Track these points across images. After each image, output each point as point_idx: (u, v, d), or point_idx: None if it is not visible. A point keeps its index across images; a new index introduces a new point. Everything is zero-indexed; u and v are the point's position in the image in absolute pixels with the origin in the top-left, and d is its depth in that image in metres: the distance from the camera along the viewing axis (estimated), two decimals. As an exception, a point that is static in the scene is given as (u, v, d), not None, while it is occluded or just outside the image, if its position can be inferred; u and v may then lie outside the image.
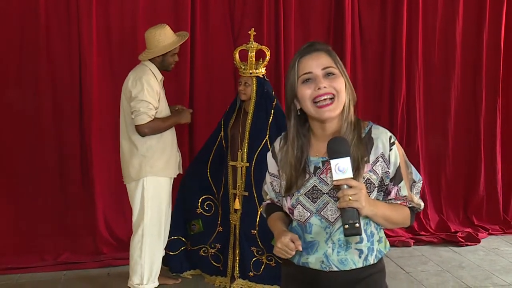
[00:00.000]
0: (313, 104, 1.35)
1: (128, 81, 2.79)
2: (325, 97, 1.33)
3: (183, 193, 3.19)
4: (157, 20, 3.61)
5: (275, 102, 3.07)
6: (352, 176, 1.26)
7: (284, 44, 3.90)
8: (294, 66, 1.37)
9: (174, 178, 3.02)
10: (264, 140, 2.99)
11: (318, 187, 1.36)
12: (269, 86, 3.10)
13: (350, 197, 1.25)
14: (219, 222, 3.12)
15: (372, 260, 1.39)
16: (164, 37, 2.83)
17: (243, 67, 3.02)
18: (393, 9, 4.12)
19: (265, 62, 3.05)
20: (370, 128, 1.39)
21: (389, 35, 4.15)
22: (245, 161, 2.98)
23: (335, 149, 1.26)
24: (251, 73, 3.00)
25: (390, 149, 1.38)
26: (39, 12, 3.49)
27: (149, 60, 2.85)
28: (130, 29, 3.65)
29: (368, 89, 4.16)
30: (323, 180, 1.36)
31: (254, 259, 3.02)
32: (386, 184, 1.39)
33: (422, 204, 1.46)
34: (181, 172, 3.06)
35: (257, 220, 2.95)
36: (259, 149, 2.97)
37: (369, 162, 1.36)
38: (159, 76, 2.86)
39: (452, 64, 4.26)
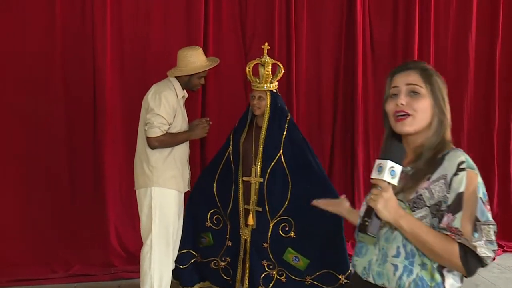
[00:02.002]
0: (394, 117, 1.42)
1: (149, 94, 2.90)
2: (402, 113, 1.39)
3: (192, 207, 3.21)
4: (170, 33, 3.78)
5: (288, 116, 3.08)
6: (388, 180, 1.28)
7: (295, 58, 4.00)
8: (388, 81, 1.46)
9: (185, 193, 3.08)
10: (278, 156, 2.99)
11: None
12: (281, 100, 3.14)
13: (372, 196, 1.29)
14: (227, 236, 3.13)
15: (407, 284, 1.33)
16: (195, 59, 2.93)
17: (257, 81, 3.03)
18: (404, 23, 4.18)
19: (278, 77, 3.09)
20: (450, 151, 1.39)
21: (400, 48, 4.20)
22: (258, 176, 2.99)
23: (385, 150, 1.33)
24: (265, 87, 3.02)
25: (456, 174, 1.33)
26: (55, 23, 3.57)
27: (176, 77, 2.95)
28: (142, 43, 3.74)
29: (379, 105, 4.05)
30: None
31: (264, 274, 3.02)
32: (442, 209, 1.33)
33: (490, 254, 1.31)
34: (189, 189, 3.13)
35: (269, 234, 2.96)
36: (272, 164, 2.98)
37: (429, 179, 1.35)
38: (181, 93, 2.96)
39: (465, 78, 4.28)
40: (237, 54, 3.93)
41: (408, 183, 1.35)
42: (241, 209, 3.05)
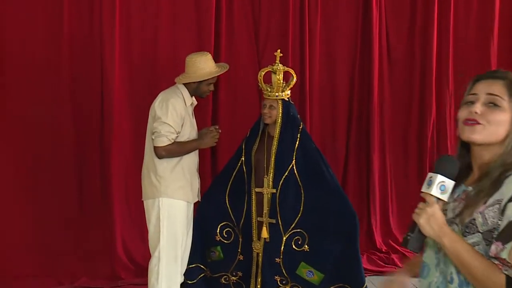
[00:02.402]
0: (463, 123, 1.32)
1: (156, 101, 2.86)
2: (473, 121, 1.29)
3: (201, 220, 3.14)
4: (179, 39, 3.72)
5: (301, 126, 3.04)
6: (436, 195, 1.24)
7: (309, 64, 3.97)
8: (468, 87, 1.36)
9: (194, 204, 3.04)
10: (290, 166, 2.95)
11: (444, 212, 1.32)
12: (294, 109, 3.09)
13: (417, 210, 1.25)
14: (239, 250, 3.08)
15: None
16: (204, 65, 2.89)
17: (269, 90, 2.99)
18: (422, 28, 4.13)
19: (291, 85, 3.04)
20: (511, 174, 1.27)
21: (418, 54, 4.17)
22: (271, 187, 2.96)
23: (438, 163, 1.26)
24: (277, 96, 2.98)
25: (511, 200, 1.21)
26: (63, 28, 3.55)
27: (184, 84, 2.91)
28: (151, 49, 3.71)
29: (396, 112, 4.18)
30: (451, 208, 1.34)
31: (277, 289, 2.95)
32: (494, 237, 1.24)
33: None
34: (199, 200, 3.08)
35: (282, 248, 2.93)
36: (285, 174, 2.95)
37: (485, 203, 1.26)
38: (189, 100, 2.92)
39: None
40: (250, 60, 3.90)
41: (468, 204, 1.26)
42: (254, 221, 3.02)
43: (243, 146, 3.12)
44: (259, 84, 3.00)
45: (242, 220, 3.05)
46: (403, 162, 4.24)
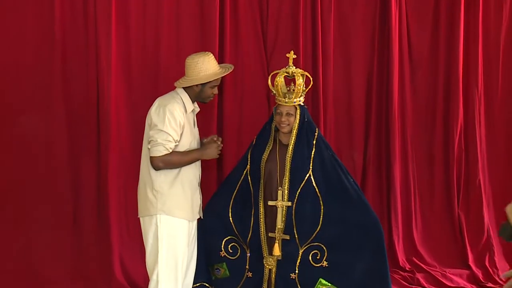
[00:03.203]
0: None
1: (152, 108, 2.74)
2: None
3: (204, 234, 3.03)
4: (181, 41, 3.61)
5: (316, 132, 2.98)
6: None
7: (322, 67, 3.85)
8: None
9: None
10: (307, 176, 2.87)
11: None
12: (308, 114, 3.02)
13: None
14: (247, 267, 3.00)
15: None
16: (206, 66, 2.75)
17: (287, 96, 2.88)
18: (447, 26, 4.00)
19: (307, 89, 2.97)
20: None
21: (443, 56, 4.03)
22: (286, 199, 2.88)
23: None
24: (295, 102, 2.89)
25: None
26: (55, 34, 3.44)
27: (185, 88, 2.78)
28: (151, 52, 3.60)
29: (419, 117, 4.06)
30: None
31: (292, 309, 2.90)
32: None
33: None
34: (201, 217, 2.96)
35: (297, 263, 2.86)
36: (301, 186, 2.87)
37: None
38: (190, 106, 2.78)
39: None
40: (258, 62, 3.78)
41: None
42: (263, 236, 2.95)
43: (249, 155, 3.04)
44: (272, 90, 2.91)
45: (250, 235, 2.98)
46: (428, 172, 4.10)
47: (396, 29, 3.89)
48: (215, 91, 2.82)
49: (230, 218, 2.99)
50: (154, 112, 2.67)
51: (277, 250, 2.86)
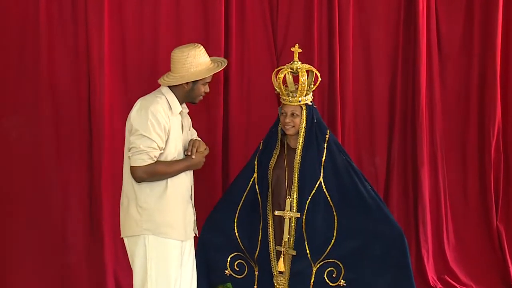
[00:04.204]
0: None
1: (133, 110, 2.55)
2: None
3: (205, 251, 2.97)
4: (183, 32, 3.49)
5: (328, 134, 2.88)
6: None
7: (340, 62, 3.71)
8: None
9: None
10: (318, 183, 2.78)
11: None
12: (318, 113, 2.92)
13: None
14: (255, 287, 2.94)
15: None
16: (198, 60, 2.55)
17: (291, 94, 2.81)
18: (482, 14, 3.84)
19: (315, 87, 2.86)
20: None
21: (477, 47, 3.87)
22: (295, 210, 2.80)
23: None
24: (300, 101, 2.79)
25: None
26: (40, 24, 3.30)
27: (171, 86, 2.59)
28: (149, 48, 3.45)
29: (449, 116, 3.93)
30: None
31: (306, 332, 2.88)
32: None
33: None
34: (197, 234, 2.83)
35: (312, 281, 2.78)
36: (311, 194, 2.77)
37: None
38: (177, 108, 2.58)
39: None
40: (267, 56, 3.64)
41: None
42: (272, 252, 2.86)
43: (255, 162, 2.96)
44: (276, 88, 2.85)
45: (258, 251, 2.90)
46: (461, 178, 3.98)
47: (423, 17, 3.75)
48: (207, 89, 2.64)
49: (236, 232, 2.90)
50: (135, 115, 2.48)
51: (281, 265, 2.78)
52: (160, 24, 3.45)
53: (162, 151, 2.49)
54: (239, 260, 2.93)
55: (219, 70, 2.62)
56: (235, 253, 2.93)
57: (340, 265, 2.75)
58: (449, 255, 3.89)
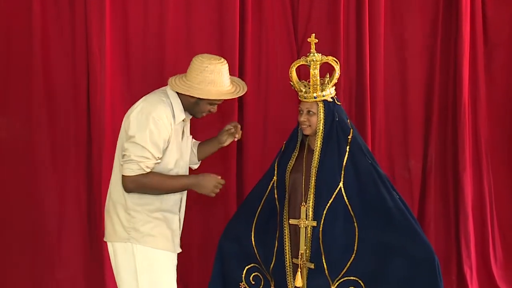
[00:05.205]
0: None
1: (133, 111, 2.45)
2: None
3: (221, 261, 2.95)
4: (192, 21, 3.41)
5: (351, 134, 2.76)
6: None
7: (370, 52, 3.61)
8: None
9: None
10: (337, 189, 2.66)
11: None
12: (342, 112, 2.82)
13: None
14: None
15: None
16: (213, 77, 2.43)
17: (303, 90, 2.73)
18: None
19: (334, 80, 2.76)
20: None
21: None
22: (311, 218, 2.69)
23: None
24: (315, 97, 2.70)
25: None
26: (32, 17, 3.23)
27: (179, 92, 2.51)
28: (156, 43, 3.38)
29: (496, 111, 3.83)
30: None
31: None
32: None
33: None
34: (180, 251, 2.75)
35: None
36: (329, 201, 2.66)
37: None
38: (180, 116, 2.49)
39: None
40: (288, 51, 3.53)
41: None
42: (288, 263, 2.76)
43: (276, 164, 2.90)
44: (291, 83, 2.79)
45: (273, 263, 2.81)
46: (509, 185, 3.87)
47: (467, 3, 3.65)
48: (214, 109, 2.54)
49: (253, 241, 2.85)
50: (134, 118, 2.39)
51: (298, 280, 2.68)
52: (167, 13, 3.37)
53: (159, 160, 2.41)
54: (255, 273, 2.88)
55: (232, 97, 2.51)
56: (252, 265, 2.88)
57: (362, 284, 2.64)
58: (496, 273, 3.79)
